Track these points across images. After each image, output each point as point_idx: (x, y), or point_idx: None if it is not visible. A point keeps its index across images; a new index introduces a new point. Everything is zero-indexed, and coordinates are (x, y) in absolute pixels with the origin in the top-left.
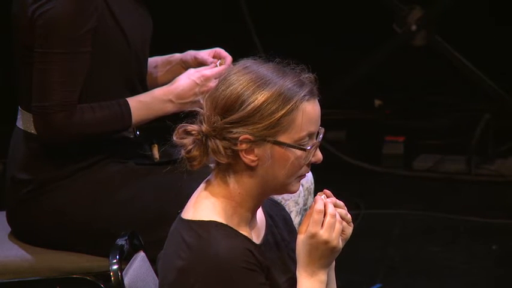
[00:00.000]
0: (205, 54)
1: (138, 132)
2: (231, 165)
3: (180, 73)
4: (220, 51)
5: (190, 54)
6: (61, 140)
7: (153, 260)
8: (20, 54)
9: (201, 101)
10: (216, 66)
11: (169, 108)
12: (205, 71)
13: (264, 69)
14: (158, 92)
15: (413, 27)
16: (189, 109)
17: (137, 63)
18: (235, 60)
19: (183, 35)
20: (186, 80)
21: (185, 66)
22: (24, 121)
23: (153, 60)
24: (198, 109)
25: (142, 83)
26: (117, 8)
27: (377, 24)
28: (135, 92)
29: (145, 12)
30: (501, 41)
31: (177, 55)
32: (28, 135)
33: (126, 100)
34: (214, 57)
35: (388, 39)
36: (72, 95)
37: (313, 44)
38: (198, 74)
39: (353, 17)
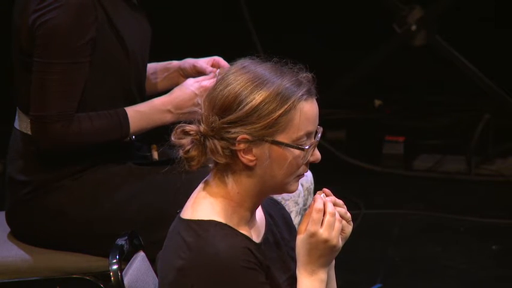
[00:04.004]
0: (203, 62)
1: (133, 137)
2: (230, 165)
3: (177, 80)
4: (219, 59)
5: (188, 62)
6: (59, 148)
7: (152, 260)
8: (19, 59)
9: (199, 101)
10: (215, 75)
11: (168, 118)
12: (205, 81)
13: (262, 69)
14: (157, 102)
15: (413, 27)
16: (188, 119)
17: (136, 72)
18: (234, 60)
19: (183, 35)
20: (185, 90)
21: (183, 73)
22: (21, 123)
23: (151, 67)
24: (196, 109)
25: (140, 92)
26: (116, 18)
27: (377, 24)
28: (132, 101)
29: (144, 20)
30: (501, 40)
31: (175, 62)
32: (26, 136)
33: (124, 110)
34: (213, 65)
35: (388, 39)
36: (70, 105)
37: (312, 44)
38: (197, 85)
39: (353, 17)
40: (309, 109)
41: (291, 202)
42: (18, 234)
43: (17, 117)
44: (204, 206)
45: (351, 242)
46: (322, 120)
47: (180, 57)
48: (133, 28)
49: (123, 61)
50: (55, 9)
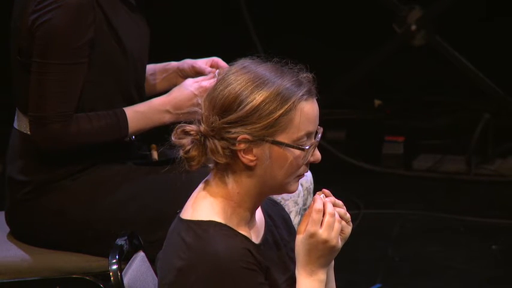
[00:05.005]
0: (202, 63)
1: (133, 137)
2: (230, 165)
3: (176, 81)
4: (217, 60)
5: (187, 62)
6: (58, 148)
7: (152, 260)
8: (17, 59)
9: (199, 101)
10: (215, 76)
11: (167, 118)
12: (204, 82)
13: (262, 69)
14: (156, 102)
15: (413, 27)
16: (187, 119)
17: (135, 72)
18: (234, 60)
19: (183, 36)
20: (184, 90)
21: (182, 74)
22: (20, 123)
23: (149, 68)
24: (195, 109)
25: (139, 92)
26: (115, 19)
27: (377, 24)
28: (131, 101)
29: (142, 21)
30: (501, 41)
31: (174, 63)
32: (25, 136)
33: (123, 110)
34: (211, 66)
35: (388, 39)
36: (69, 106)
37: (313, 44)
38: (197, 85)
39: (353, 17)
40: (309, 109)
41: (290, 202)
42: (18, 234)
43: (16, 117)
44: (203, 206)
45: (350, 242)
46: (322, 120)
47: (179, 58)
48: (131, 29)
49: (122, 61)
50: (54, 10)
